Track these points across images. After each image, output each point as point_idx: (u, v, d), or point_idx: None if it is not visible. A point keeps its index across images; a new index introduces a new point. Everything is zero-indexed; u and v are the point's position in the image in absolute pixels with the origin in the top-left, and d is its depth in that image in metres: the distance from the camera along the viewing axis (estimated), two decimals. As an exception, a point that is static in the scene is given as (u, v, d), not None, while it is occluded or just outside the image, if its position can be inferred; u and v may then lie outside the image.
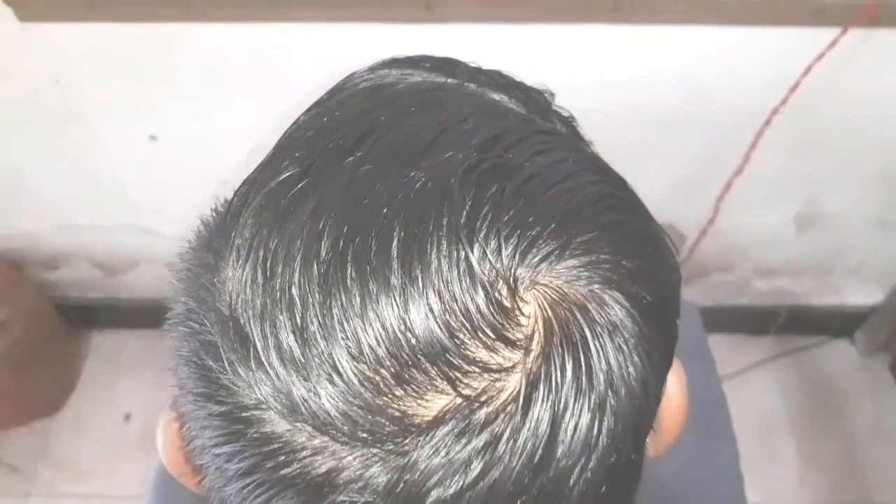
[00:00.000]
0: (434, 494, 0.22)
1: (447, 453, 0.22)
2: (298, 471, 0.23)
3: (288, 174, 0.24)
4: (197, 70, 1.08)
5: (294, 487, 0.23)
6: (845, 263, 1.45)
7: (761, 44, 1.04)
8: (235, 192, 0.26)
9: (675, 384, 0.30)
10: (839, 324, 1.59)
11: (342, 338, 0.21)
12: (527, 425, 0.22)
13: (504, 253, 0.22)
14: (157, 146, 1.20)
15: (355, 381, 0.21)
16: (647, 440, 0.26)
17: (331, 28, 0.98)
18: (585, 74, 1.05)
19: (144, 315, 1.58)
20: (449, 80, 0.28)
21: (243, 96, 1.10)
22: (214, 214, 0.28)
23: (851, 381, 1.57)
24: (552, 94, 0.29)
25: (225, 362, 0.23)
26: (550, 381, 0.22)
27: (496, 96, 0.28)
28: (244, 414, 0.23)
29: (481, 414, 0.22)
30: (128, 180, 1.28)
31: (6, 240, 1.40)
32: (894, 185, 1.25)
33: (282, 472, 0.23)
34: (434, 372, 0.21)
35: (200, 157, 1.20)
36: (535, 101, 0.29)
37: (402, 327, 0.21)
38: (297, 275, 0.22)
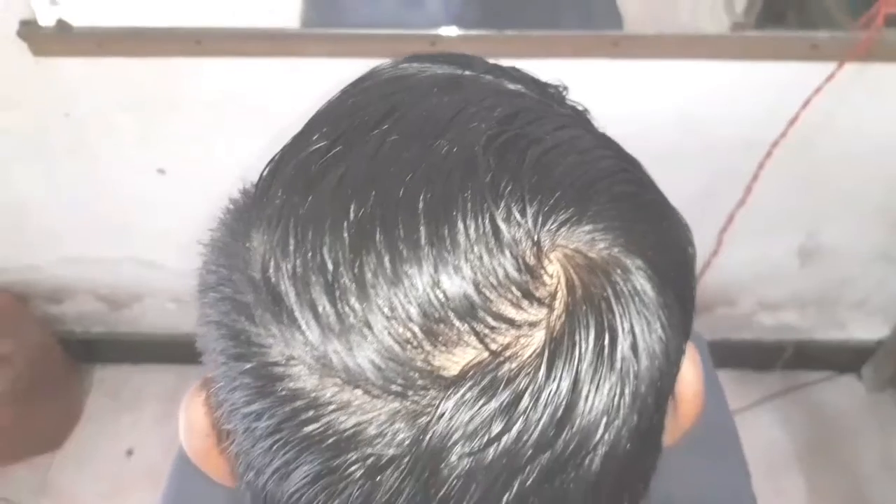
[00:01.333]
0: (457, 449, 0.22)
1: (471, 408, 0.22)
2: (323, 428, 0.23)
3: (316, 147, 0.25)
4: (205, 104, 1.10)
5: (318, 445, 0.23)
6: (849, 297, 1.45)
7: (760, 78, 1.06)
8: (265, 166, 0.27)
9: (691, 371, 0.31)
10: (846, 359, 1.58)
11: (373, 295, 0.22)
12: (550, 381, 0.22)
13: (528, 214, 0.23)
14: (165, 179, 1.22)
15: (386, 336, 0.22)
16: (668, 407, 0.27)
17: (337, 63, 1.00)
18: (586, 109, 1.07)
19: (147, 350, 1.59)
20: (467, 72, 0.29)
21: (251, 130, 1.11)
22: (242, 194, 0.28)
23: (859, 416, 1.55)
24: (566, 88, 0.30)
25: (257, 320, 0.24)
26: (574, 337, 0.22)
27: (512, 86, 0.29)
28: (274, 370, 0.23)
29: (506, 369, 0.22)
30: (134, 213, 1.29)
31: (10, 273, 1.41)
32: (892, 219, 1.25)
33: (307, 429, 0.23)
34: (462, 327, 0.22)
35: (207, 190, 1.20)
36: (550, 94, 0.30)
37: (432, 285, 0.22)
38: (327, 237, 0.23)
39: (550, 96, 0.30)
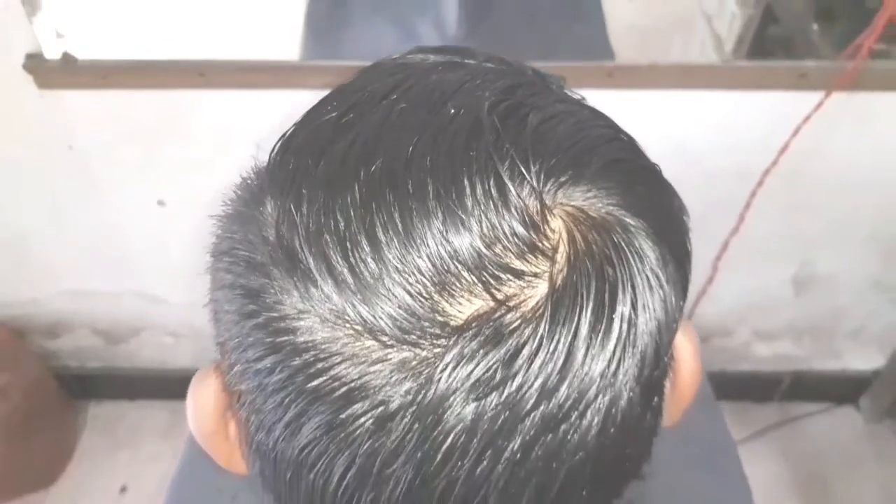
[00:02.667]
0: (460, 398, 0.22)
1: (474, 356, 0.22)
2: (331, 380, 0.23)
3: (327, 117, 0.26)
4: (207, 135, 1.12)
5: (327, 397, 0.24)
6: (844, 327, 1.46)
7: (750, 107, 1.08)
8: (277, 140, 0.28)
9: (688, 348, 0.31)
10: (843, 389, 1.58)
11: (385, 250, 0.23)
12: (552, 331, 0.23)
13: (532, 172, 0.24)
14: (165, 211, 1.23)
15: (397, 288, 0.23)
16: (668, 373, 0.27)
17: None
18: (582, 137, 1.09)
19: (143, 386, 1.58)
20: (469, 60, 0.30)
21: (252, 162, 1.13)
22: (253, 170, 0.29)
23: (858, 448, 1.55)
24: (564, 80, 0.32)
25: (272, 277, 0.25)
26: (575, 289, 0.23)
27: (514, 69, 0.31)
28: (287, 324, 0.24)
29: (509, 318, 0.23)
30: (134, 245, 1.30)
31: (9, 307, 1.40)
32: (886, 246, 1.27)
33: (315, 381, 0.24)
34: (470, 279, 0.23)
35: (207, 222, 1.22)
36: (550, 80, 0.31)
37: (441, 239, 0.23)
38: (338, 197, 0.24)
39: (550, 82, 0.31)
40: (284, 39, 1.10)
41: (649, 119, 1.09)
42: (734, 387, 1.55)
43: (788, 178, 1.14)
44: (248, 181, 0.29)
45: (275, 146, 0.27)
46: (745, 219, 1.18)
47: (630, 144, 0.28)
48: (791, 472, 1.51)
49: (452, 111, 0.25)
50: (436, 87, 0.26)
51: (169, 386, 1.52)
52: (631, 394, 0.24)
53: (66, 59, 1.01)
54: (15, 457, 1.38)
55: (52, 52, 1.01)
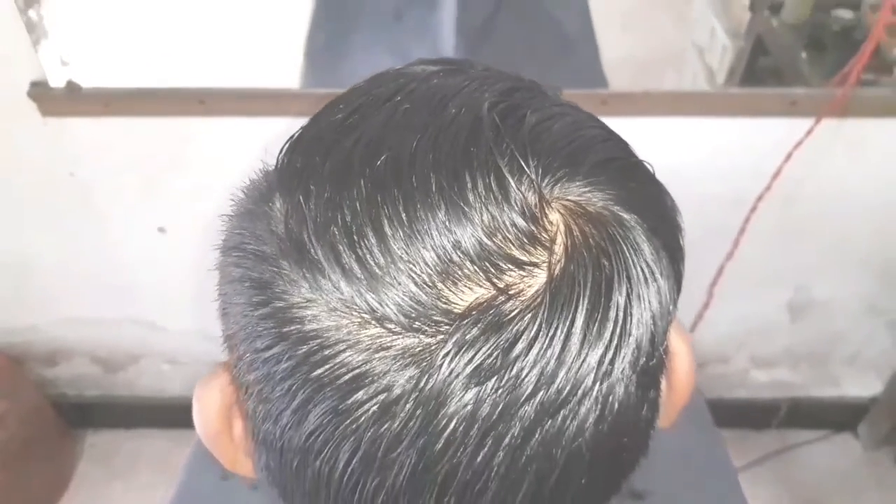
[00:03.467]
0: (461, 384, 0.23)
1: (475, 343, 0.23)
2: (335, 369, 0.24)
3: (332, 118, 0.27)
4: (207, 163, 1.13)
5: (331, 385, 0.24)
6: (841, 353, 1.46)
7: (743, 134, 1.10)
8: (285, 143, 0.29)
9: (683, 350, 0.32)
10: (841, 416, 1.58)
11: (391, 241, 0.24)
12: (550, 319, 0.24)
13: (531, 167, 0.25)
14: (165, 238, 1.24)
15: (402, 276, 0.24)
16: (664, 365, 0.28)
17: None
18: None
19: (141, 414, 1.57)
20: (468, 70, 0.31)
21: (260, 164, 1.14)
22: (261, 172, 0.30)
23: (857, 475, 1.54)
24: (560, 90, 0.33)
25: (281, 268, 0.25)
26: (573, 279, 0.24)
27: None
28: (295, 313, 0.25)
29: (509, 305, 0.24)
30: (134, 273, 1.30)
31: (8, 334, 1.41)
32: (879, 270, 1.28)
33: (320, 369, 0.24)
34: (472, 268, 0.24)
35: (207, 249, 1.23)
36: (545, 91, 0.33)
37: (444, 231, 0.24)
38: (345, 191, 0.25)
39: (546, 90, 0.33)
40: (284, 68, 1.12)
41: (643, 146, 1.09)
42: (732, 414, 1.55)
43: (782, 203, 1.15)
44: (256, 181, 0.30)
45: (283, 147, 0.28)
46: (740, 244, 1.20)
47: (623, 144, 0.29)
48: (790, 500, 1.50)
49: (453, 111, 0.26)
50: (437, 90, 0.27)
51: (166, 415, 1.52)
52: (627, 382, 0.25)
53: (71, 86, 1.03)
54: (11, 485, 1.37)
55: (57, 80, 1.03)
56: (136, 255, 1.27)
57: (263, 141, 1.09)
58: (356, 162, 0.25)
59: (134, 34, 1.13)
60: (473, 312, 0.23)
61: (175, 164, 1.14)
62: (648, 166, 0.30)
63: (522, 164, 0.25)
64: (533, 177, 0.25)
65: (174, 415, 1.46)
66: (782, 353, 1.46)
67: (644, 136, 1.08)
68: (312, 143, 0.27)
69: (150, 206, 1.20)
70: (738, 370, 1.49)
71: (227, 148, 1.11)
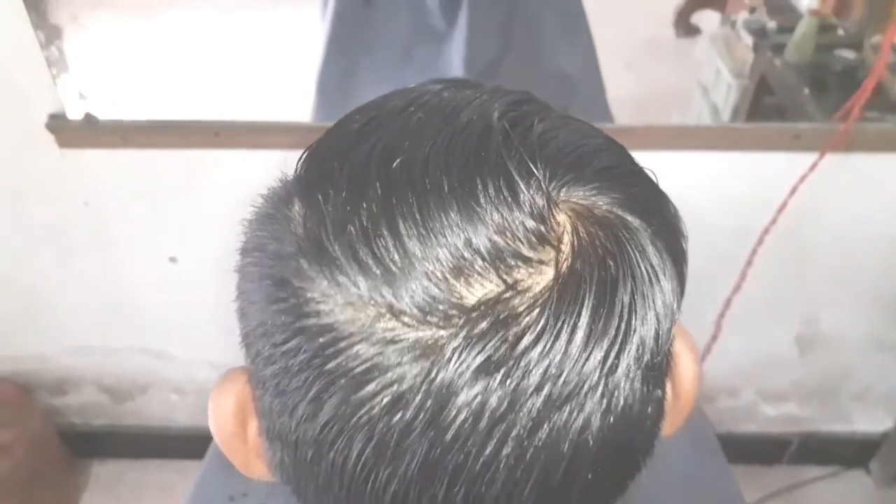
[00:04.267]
0: (468, 377, 0.24)
1: (483, 337, 0.24)
2: (349, 361, 0.25)
3: (350, 128, 0.29)
4: (221, 195, 1.15)
5: (344, 376, 0.25)
6: (850, 387, 1.46)
7: (747, 167, 1.12)
8: (303, 152, 0.30)
9: (688, 357, 0.33)
10: (853, 452, 1.56)
11: (406, 239, 0.25)
12: (557, 314, 0.24)
13: (539, 170, 0.26)
14: (176, 268, 1.25)
15: (416, 272, 0.25)
16: (670, 364, 0.29)
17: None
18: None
19: (148, 445, 1.57)
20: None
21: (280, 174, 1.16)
22: (280, 181, 0.31)
23: (870, 513, 1.52)
24: (566, 108, 0.34)
25: (300, 265, 0.26)
26: (579, 277, 0.25)
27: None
28: (312, 307, 0.26)
29: (518, 301, 0.24)
30: (144, 302, 1.32)
31: (17, 362, 1.42)
32: (887, 304, 1.28)
33: (335, 361, 0.25)
34: (483, 265, 0.25)
35: (217, 280, 1.24)
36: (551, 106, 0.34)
37: (457, 230, 0.25)
38: (361, 193, 0.26)
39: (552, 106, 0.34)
40: (297, 102, 1.15)
41: (649, 179, 1.12)
42: (742, 449, 1.53)
43: (788, 236, 1.16)
44: (276, 189, 0.31)
45: (301, 156, 0.30)
46: (748, 277, 1.20)
47: (625, 153, 0.31)
48: (802, 537, 1.49)
49: (465, 119, 0.27)
50: (449, 101, 0.29)
51: (172, 446, 1.52)
52: (632, 378, 0.26)
53: (88, 119, 1.05)
54: (15, 515, 1.36)
55: (75, 113, 1.05)
56: (146, 284, 1.29)
57: (276, 173, 1.12)
58: (372, 166, 0.26)
59: (151, 68, 1.15)
60: (482, 307, 0.24)
61: (188, 196, 1.16)
62: (651, 174, 0.31)
63: (531, 166, 0.26)
64: (541, 179, 0.26)
65: (180, 445, 1.47)
66: (791, 386, 1.45)
67: (649, 170, 1.10)
68: (330, 150, 0.29)
69: (161, 236, 1.22)
70: (747, 403, 1.49)
71: (240, 180, 1.13)
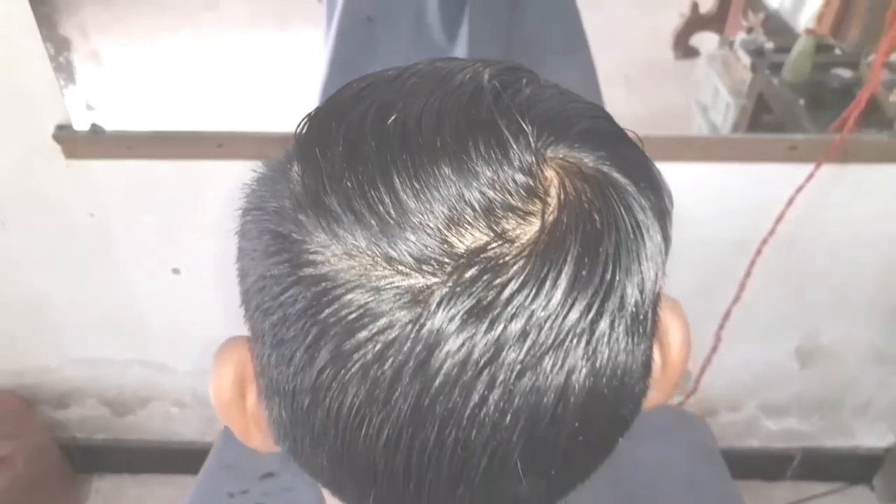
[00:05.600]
0: (455, 323, 0.25)
1: (472, 283, 0.25)
2: (343, 307, 0.26)
3: (345, 94, 0.30)
4: (224, 205, 1.16)
5: (338, 323, 0.26)
6: (852, 401, 1.45)
7: (744, 179, 1.13)
8: (301, 119, 0.31)
9: (676, 324, 0.33)
10: (856, 468, 1.55)
11: (399, 190, 0.26)
12: (543, 263, 0.25)
13: (527, 125, 0.27)
14: (179, 279, 1.26)
15: (411, 222, 0.25)
16: (656, 323, 0.30)
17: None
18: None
19: (149, 459, 1.57)
20: None
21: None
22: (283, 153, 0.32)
23: (874, 529, 1.51)
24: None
25: (298, 218, 0.27)
26: (565, 227, 0.26)
27: None
28: (308, 257, 0.27)
29: (505, 249, 0.25)
30: (147, 313, 1.32)
31: (20, 375, 1.42)
32: (886, 316, 1.29)
33: (330, 308, 0.26)
34: (474, 215, 0.25)
35: (220, 291, 1.25)
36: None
37: (449, 182, 0.26)
38: (357, 147, 0.27)
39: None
40: (300, 113, 1.16)
41: (648, 189, 1.13)
42: (744, 464, 1.53)
43: (786, 247, 1.17)
44: (276, 156, 0.32)
45: (301, 121, 0.31)
46: (746, 288, 1.21)
47: (610, 118, 0.32)
48: (806, 554, 1.47)
49: (458, 81, 0.29)
50: (443, 68, 0.30)
51: (173, 460, 1.52)
52: (617, 330, 0.27)
53: (95, 129, 1.07)
54: (15, 528, 1.36)
55: (81, 124, 1.07)
56: (149, 296, 1.30)
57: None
58: (367, 124, 0.28)
59: (156, 80, 1.18)
60: (470, 255, 0.25)
61: (192, 206, 1.17)
62: (634, 136, 0.32)
63: (521, 123, 0.27)
64: (530, 135, 0.27)
65: (181, 460, 1.46)
66: (793, 400, 1.45)
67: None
68: (327, 113, 0.30)
69: (165, 248, 1.23)
70: (748, 418, 1.48)
71: (242, 191, 1.14)
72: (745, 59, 1.83)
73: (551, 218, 0.26)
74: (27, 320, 1.34)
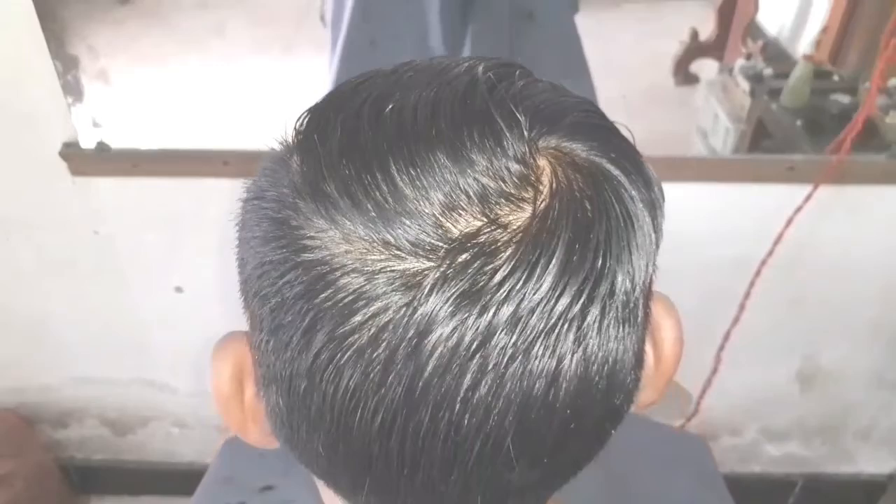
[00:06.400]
0: (447, 308, 0.25)
1: (464, 267, 0.25)
2: (339, 291, 0.26)
3: (344, 89, 0.31)
4: (227, 223, 1.17)
5: (334, 306, 0.26)
6: (854, 426, 1.44)
7: (743, 199, 1.14)
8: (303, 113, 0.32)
9: (668, 321, 0.34)
10: (859, 495, 1.54)
11: (396, 176, 0.26)
12: (535, 248, 0.26)
13: (521, 115, 0.28)
14: (182, 297, 1.27)
15: (406, 207, 0.26)
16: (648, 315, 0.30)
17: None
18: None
19: (148, 481, 1.57)
20: None
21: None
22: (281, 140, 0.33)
23: (879, 557, 1.49)
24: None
25: (297, 206, 0.28)
26: (557, 214, 0.26)
27: None
28: (306, 242, 0.27)
29: (497, 234, 0.26)
30: (149, 332, 1.33)
31: (21, 393, 1.42)
32: (887, 339, 1.29)
33: (326, 292, 0.27)
34: (468, 201, 0.26)
35: (221, 310, 1.26)
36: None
37: (444, 168, 0.26)
38: (354, 137, 0.28)
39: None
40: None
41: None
42: (746, 490, 1.51)
43: (786, 268, 1.17)
44: (276, 149, 0.33)
45: (301, 115, 0.32)
46: (746, 310, 1.21)
47: (601, 111, 0.33)
48: (810, 582, 1.45)
49: (453, 74, 0.30)
50: (439, 62, 0.31)
51: (173, 482, 1.51)
52: (607, 318, 0.27)
53: (101, 147, 1.09)
54: (11, 548, 1.35)
55: (88, 141, 1.09)
56: (151, 314, 1.30)
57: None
58: (364, 114, 0.28)
59: (164, 100, 1.19)
60: (463, 239, 0.26)
61: (196, 224, 1.18)
62: (625, 130, 0.33)
63: (515, 112, 0.28)
64: (523, 125, 0.28)
65: (180, 482, 1.45)
66: (794, 425, 1.45)
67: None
68: (326, 106, 0.31)
69: (169, 265, 1.24)
70: (749, 443, 1.47)
71: (245, 208, 1.15)
72: (745, 85, 1.85)
73: (543, 205, 0.27)
74: (29, 338, 1.34)
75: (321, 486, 0.37)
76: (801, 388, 1.38)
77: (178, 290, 1.27)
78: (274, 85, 1.32)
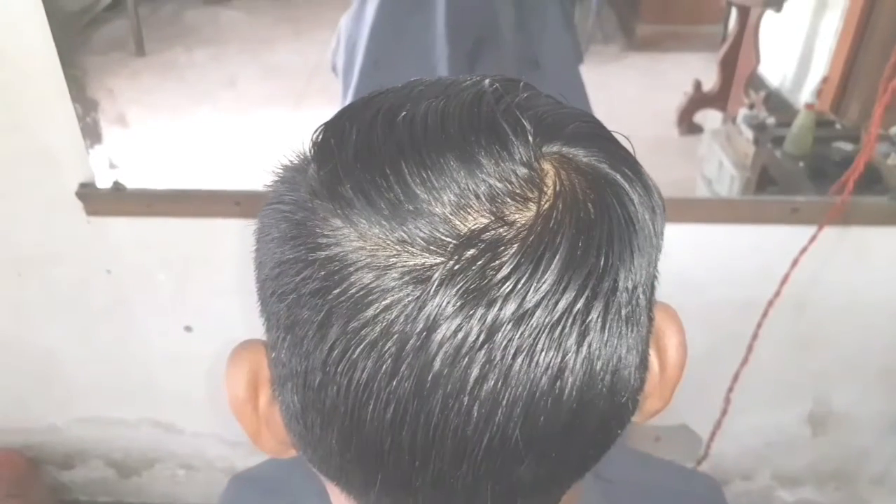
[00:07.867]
0: (454, 304, 0.26)
1: (471, 263, 0.27)
2: (349, 287, 0.27)
3: (358, 103, 0.32)
4: (238, 263, 1.19)
5: (347, 301, 0.28)
6: (868, 471, 1.42)
7: (748, 240, 1.15)
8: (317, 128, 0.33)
9: (672, 329, 0.34)
10: (875, 544, 1.51)
11: (409, 179, 0.28)
12: (538, 246, 0.27)
13: (526, 123, 0.29)
14: (191, 337, 1.28)
15: (419, 207, 0.27)
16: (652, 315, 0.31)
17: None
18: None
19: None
20: None
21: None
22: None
23: None
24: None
25: (314, 208, 0.29)
26: (560, 215, 0.27)
27: None
28: (322, 240, 0.29)
29: (503, 232, 0.27)
30: (158, 371, 1.33)
31: (28, 434, 1.42)
32: (897, 381, 1.28)
33: (338, 289, 0.28)
34: (477, 200, 0.27)
35: (230, 350, 1.27)
36: None
37: (454, 170, 0.28)
38: (369, 144, 0.29)
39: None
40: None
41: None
42: (760, 539, 1.49)
43: (793, 309, 1.18)
44: (292, 161, 0.35)
45: (317, 128, 0.33)
46: (754, 351, 1.21)
47: (601, 123, 0.34)
48: None
49: (461, 87, 0.31)
50: (447, 79, 0.33)
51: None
52: (609, 317, 0.28)
53: (117, 187, 1.11)
54: None
55: (104, 182, 1.11)
56: (160, 353, 1.31)
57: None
58: (378, 123, 0.30)
59: (178, 145, 1.22)
60: (470, 236, 0.27)
61: (207, 264, 1.20)
62: (625, 140, 0.34)
63: (520, 119, 0.29)
64: (529, 130, 0.29)
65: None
66: (807, 469, 1.43)
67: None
68: (341, 118, 0.32)
69: (179, 305, 1.25)
70: (762, 488, 1.45)
71: (256, 249, 1.17)
72: (748, 134, 1.89)
73: (547, 205, 0.28)
74: (38, 377, 1.35)
75: (332, 499, 0.38)
76: (814, 432, 1.36)
77: (188, 329, 1.28)
78: (285, 133, 1.35)
